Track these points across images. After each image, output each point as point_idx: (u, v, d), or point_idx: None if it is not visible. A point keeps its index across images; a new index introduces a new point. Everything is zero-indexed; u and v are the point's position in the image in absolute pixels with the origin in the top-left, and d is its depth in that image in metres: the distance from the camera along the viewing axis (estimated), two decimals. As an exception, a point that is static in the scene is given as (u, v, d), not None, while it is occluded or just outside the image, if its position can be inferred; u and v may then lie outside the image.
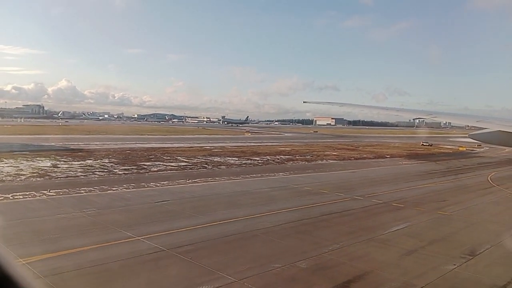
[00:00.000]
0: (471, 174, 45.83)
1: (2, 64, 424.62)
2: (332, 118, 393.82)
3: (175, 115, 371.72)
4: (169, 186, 29.50)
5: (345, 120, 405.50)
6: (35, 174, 32.81)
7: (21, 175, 32.28)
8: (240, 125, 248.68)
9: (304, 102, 78.53)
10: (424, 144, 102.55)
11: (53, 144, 63.55)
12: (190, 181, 32.17)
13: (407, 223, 21.98)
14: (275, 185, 32.47)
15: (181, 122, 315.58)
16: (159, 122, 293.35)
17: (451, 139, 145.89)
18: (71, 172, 34.99)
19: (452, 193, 32.45)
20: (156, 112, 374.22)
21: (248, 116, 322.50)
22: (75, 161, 42.30)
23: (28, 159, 42.44)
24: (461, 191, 33.77)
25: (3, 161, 39.83)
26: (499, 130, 18.11)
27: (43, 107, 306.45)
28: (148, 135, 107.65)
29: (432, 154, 76.53)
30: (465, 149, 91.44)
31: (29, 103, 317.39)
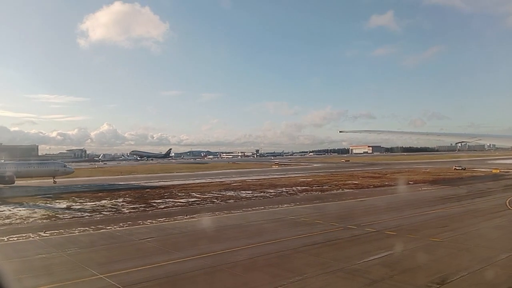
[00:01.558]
0: (491, 197, 43.44)
1: (48, 112, 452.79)
2: (369, 146, 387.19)
3: (210, 151, 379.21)
4: (163, 223, 30.11)
5: (382, 147, 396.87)
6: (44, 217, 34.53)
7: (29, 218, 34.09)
8: (273, 158, 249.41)
9: (340, 131, 78.45)
10: (457, 168, 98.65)
11: (78, 185, 66.47)
12: (188, 216, 32.69)
13: (389, 252, 21.18)
14: (272, 217, 32.37)
15: (216, 158, 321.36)
16: (195, 159, 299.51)
17: (490, 162, 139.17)
18: (79, 213, 36.47)
19: (458, 218, 30.95)
20: (192, 150, 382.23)
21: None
22: (92, 201, 44.03)
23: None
24: (469, 216, 32.10)
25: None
26: None
27: (85, 151, 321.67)
28: (176, 172, 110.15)
29: (460, 178, 73.23)
30: (498, 171, 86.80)
31: (73, 147, 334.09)
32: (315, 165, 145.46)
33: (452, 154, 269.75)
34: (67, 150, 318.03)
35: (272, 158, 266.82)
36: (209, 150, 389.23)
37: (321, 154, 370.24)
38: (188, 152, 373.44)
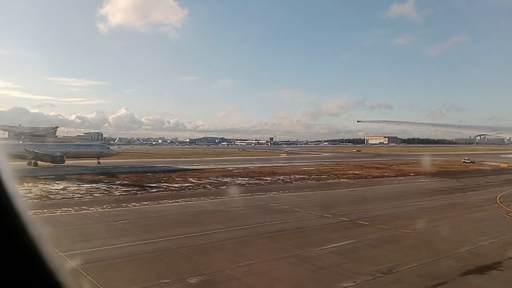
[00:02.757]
0: (485, 191, 42.78)
1: (67, 95, 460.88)
2: (385, 137, 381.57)
3: (225, 138, 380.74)
4: (145, 206, 30.86)
5: (398, 138, 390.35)
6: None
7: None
8: (285, 146, 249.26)
9: (358, 121, 76.84)
10: (466, 161, 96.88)
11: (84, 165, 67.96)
12: (172, 201, 33.41)
13: (351, 241, 21.39)
14: (254, 204, 32.80)
15: (230, 145, 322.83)
16: (208, 145, 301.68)
17: (504, 156, 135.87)
18: (70, 194, 37.55)
19: (439, 211, 30.80)
20: (207, 136, 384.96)
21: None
22: (89, 184, 45.15)
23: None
24: (451, 209, 31.86)
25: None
26: None
27: (102, 134, 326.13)
28: (185, 158, 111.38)
29: (465, 171, 72.04)
30: (506, 165, 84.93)
31: (91, 131, 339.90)
32: (324, 154, 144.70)
33: (469, 147, 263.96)
34: (84, 133, 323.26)
35: (285, 146, 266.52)
36: (223, 137, 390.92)
37: (336, 144, 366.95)
38: (203, 138, 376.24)
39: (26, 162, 65.13)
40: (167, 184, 46.14)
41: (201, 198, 35.66)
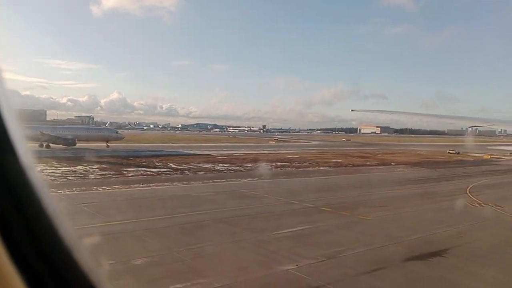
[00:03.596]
0: (459, 181, 43.32)
1: (59, 78, 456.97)
2: (378, 127, 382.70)
3: (217, 125, 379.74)
4: (115, 190, 30.97)
5: (391, 128, 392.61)
6: None
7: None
8: (277, 134, 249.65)
9: (352, 110, 77.16)
10: (451, 152, 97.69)
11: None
12: (143, 185, 33.55)
13: (309, 226, 21.80)
14: (224, 190, 33.07)
15: (223, 131, 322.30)
16: (200, 131, 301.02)
17: (491, 147, 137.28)
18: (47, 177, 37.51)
19: (405, 199, 31.31)
20: (199, 122, 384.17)
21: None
22: (66, 167, 45.09)
23: None
24: (420, 198, 32.34)
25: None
26: None
27: (93, 118, 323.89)
28: (172, 143, 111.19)
29: (446, 161, 72.90)
30: (489, 157, 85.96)
31: (83, 114, 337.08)
32: (313, 142, 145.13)
33: (460, 139, 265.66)
34: (75, 117, 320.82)
35: (277, 134, 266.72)
36: (216, 123, 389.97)
37: (328, 133, 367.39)
38: (195, 124, 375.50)
39: (37, 144, 66.75)
40: (145, 169, 46.17)
41: (174, 183, 35.87)
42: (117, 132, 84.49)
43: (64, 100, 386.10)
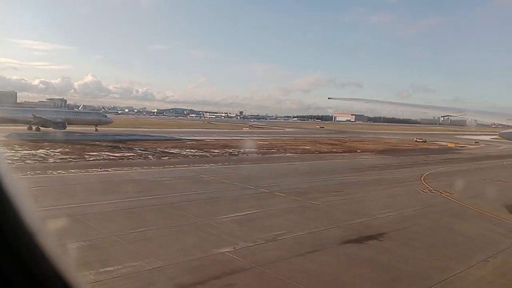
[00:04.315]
0: (417, 168, 44.68)
1: (31, 59, 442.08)
2: (352, 115, 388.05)
3: (194, 110, 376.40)
4: (70, 174, 30.57)
5: (365, 116, 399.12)
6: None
7: None
8: (252, 120, 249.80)
9: (329, 98, 77.95)
10: (418, 140, 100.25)
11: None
12: (102, 169, 33.22)
13: (258, 210, 22.22)
14: (183, 175, 33.11)
15: (200, 117, 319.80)
16: (176, 117, 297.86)
17: (458, 136, 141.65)
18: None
19: (359, 185, 32.16)
20: (175, 107, 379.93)
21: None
22: (32, 149, 44.03)
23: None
24: (374, 184, 33.28)
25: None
26: None
27: (66, 101, 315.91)
28: (144, 128, 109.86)
29: (411, 149, 74.88)
30: (454, 146, 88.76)
31: (56, 97, 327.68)
32: (287, 129, 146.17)
33: (431, 127, 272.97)
34: (47, 99, 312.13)
35: (252, 120, 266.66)
36: (192, 109, 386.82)
37: (304, 120, 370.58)
38: (171, 109, 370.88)
39: (26, 127, 70.06)
40: (108, 153, 45.61)
41: (134, 167, 35.65)
42: (105, 116, 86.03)
43: (36, 82, 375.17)
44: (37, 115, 70.03)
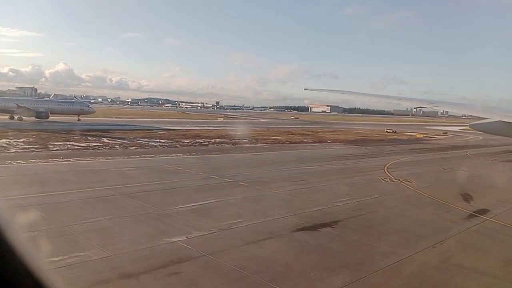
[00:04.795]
0: (382, 158, 45.67)
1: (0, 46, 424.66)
2: (328, 106, 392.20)
3: (170, 100, 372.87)
4: (29, 164, 29.70)
5: (340, 107, 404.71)
6: None
7: None
8: (228, 111, 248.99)
9: (305, 89, 78.90)
10: (388, 131, 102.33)
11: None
12: (62, 159, 32.47)
13: (218, 200, 22.27)
14: (147, 165, 32.83)
15: (175, 107, 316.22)
16: (151, 106, 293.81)
17: (428, 127, 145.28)
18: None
19: (324, 174, 32.62)
20: (150, 97, 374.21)
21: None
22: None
23: None
24: (338, 173, 33.86)
25: None
26: (500, 121, 18.07)
27: (36, 90, 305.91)
28: (116, 117, 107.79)
29: (380, 140, 76.41)
30: (422, 136, 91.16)
31: (26, 85, 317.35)
32: (262, 120, 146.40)
33: (404, 118, 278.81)
34: (17, 88, 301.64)
35: (228, 111, 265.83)
36: (168, 98, 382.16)
37: (281, 111, 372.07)
38: (146, 99, 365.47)
39: (7, 116, 71.31)
40: (73, 143, 44.60)
41: (98, 157, 34.95)
42: (88, 106, 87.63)
43: (5, 70, 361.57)
44: (21, 104, 70.53)
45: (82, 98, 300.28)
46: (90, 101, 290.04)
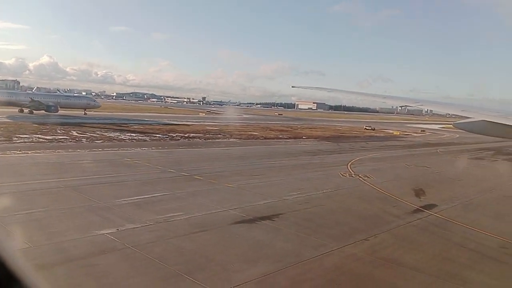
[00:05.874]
0: (350, 154, 46.01)
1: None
2: (314, 103, 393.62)
3: (155, 95, 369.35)
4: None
5: (327, 105, 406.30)
6: None
7: None
8: (213, 106, 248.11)
9: (292, 86, 78.34)
10: (367, 128, 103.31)
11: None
12: (20, 152, 31.94)
13: (166, 193, 22.18)
14: (106, 158, 32.47)
15: (161, 102, 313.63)
16: (136, 101, 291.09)
17: (409, 125, 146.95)
18: None
19: (285, 169, 32.75)
20: (136, 91, 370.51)
21: None
22: None
23: None
24: (300, 168, 34.00)
25: None
26: (483, 120, 18.17)
27: (19, 83, 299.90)
28: (94, 111, 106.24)
29: (356, 136, 77.00)
30: (399, 133, 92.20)
31: (9, 78, 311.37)
32: (244, 116, 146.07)
33: (388, 116, 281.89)
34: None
35: (213, 106, 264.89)
36: (154, 93, 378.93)
37: (268, 107, 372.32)
38: (131, 93, 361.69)
39: (17, 110, 74.22)
40: (40, 136, 43.92)
41: (58, 150, 34.47)
42: (94, 101, 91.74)
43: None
44: (35, 98, 74.23)
45: (66, 92, 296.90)
46: (73, 95, 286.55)
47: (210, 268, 12.90)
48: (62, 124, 58.37)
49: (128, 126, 64.66)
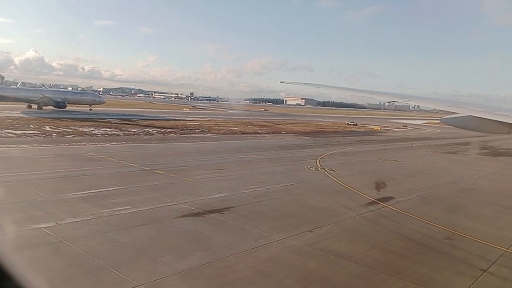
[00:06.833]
0: (322, 148, 46.12)
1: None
2: (302, 99, 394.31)
3: (143, 90, 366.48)
4: None
5: (315, 100, 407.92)
6: None
7: None
8: (200, 101, 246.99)
9: (281, 82, 79.05)
10: (349, 123, 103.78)
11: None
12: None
13: (119, 187, 21.92)
14: (70, 153, 32.21)
15: (148, 97, 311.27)
16: (123, 96, 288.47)
17: (393, 120, 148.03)
18: None
19: (251, 164, 32.73)
20: (122, 86, 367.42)
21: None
22: None
23: None
24: (268, 162, 34.01)
25: None
26: (470, 115, 18.17)
27: (3, 77, 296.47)
28: (76, 107, 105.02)
29: (336, 132, 77.30)
30: (379, 128, 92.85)
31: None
32: (230, 111, 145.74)
33: (375, 112, 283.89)
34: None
35: (199, 102, 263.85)
36: (141, 88, 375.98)
37: (256, 103, 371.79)
38: (118, 88, 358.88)
39: (26, 105, 76.52)
40: (10, 131, 43.20)
41: (23, 145, 33.98)
42: (99, 97, 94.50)
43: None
44: (46, 95, 77.09)
45: (51, 87, 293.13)
46: (59, 90, 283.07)
47: (139, 261, 12.78)
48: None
49: (106, 122, 63.98)
